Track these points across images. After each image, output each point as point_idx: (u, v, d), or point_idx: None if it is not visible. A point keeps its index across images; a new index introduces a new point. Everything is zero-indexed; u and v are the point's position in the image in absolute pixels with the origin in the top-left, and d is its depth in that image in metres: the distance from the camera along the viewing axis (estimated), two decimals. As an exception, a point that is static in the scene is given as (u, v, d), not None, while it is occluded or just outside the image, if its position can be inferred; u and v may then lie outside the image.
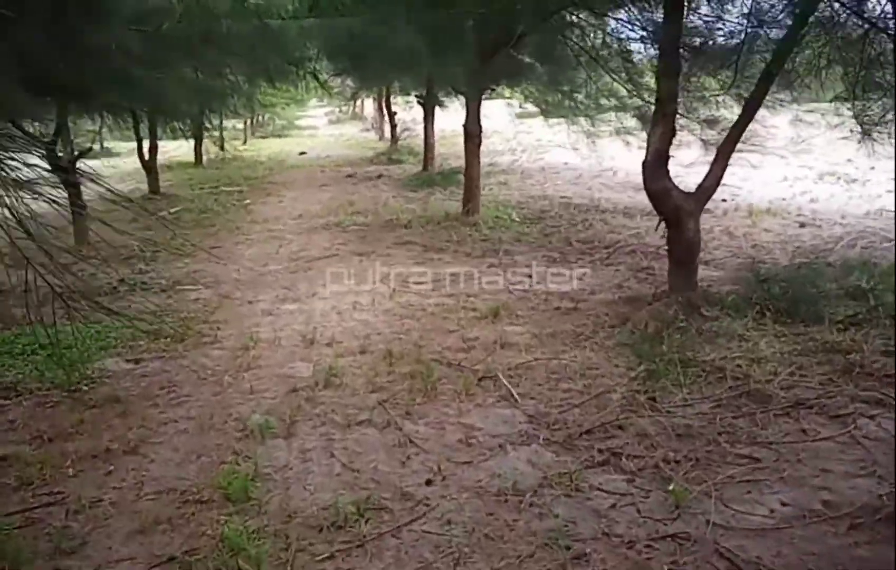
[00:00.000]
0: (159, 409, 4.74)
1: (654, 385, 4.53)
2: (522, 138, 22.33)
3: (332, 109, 46.22)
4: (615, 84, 11.20)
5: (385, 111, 22.01)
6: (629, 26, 9.54)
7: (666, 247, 6.17)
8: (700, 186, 5.83)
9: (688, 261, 5.79)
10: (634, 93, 9.98)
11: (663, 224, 5.94)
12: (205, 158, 20.90)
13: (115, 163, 23.25)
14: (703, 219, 6.85)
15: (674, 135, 5.89)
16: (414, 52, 8.41)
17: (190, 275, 8.43)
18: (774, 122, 9.26)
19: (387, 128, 23.87)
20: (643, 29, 9.20)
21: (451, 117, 20.46)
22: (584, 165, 16.67)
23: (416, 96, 16.21)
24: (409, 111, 21.89)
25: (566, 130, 19.42)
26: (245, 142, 28.10)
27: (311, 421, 4.45)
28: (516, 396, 4.59)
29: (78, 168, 10.49)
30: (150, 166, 14.88)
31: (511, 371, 5.00)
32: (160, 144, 20.79)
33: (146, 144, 15.03)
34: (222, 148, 24.02)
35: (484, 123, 20.29)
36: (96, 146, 25.57)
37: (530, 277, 7.54)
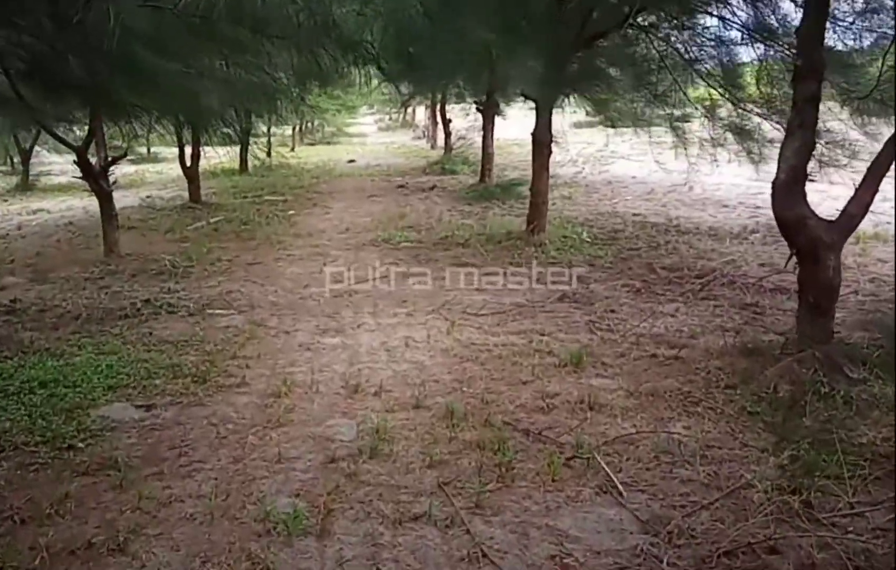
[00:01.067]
0: (164, 481, 3.77)
1: (806, 482, 3.39)
2: (583, 149, 21.16)
3: (382, 116, 45.60)
4: (703, 90, 10.02)
5: (439, 118, 21.01)
6: (727, 23, 8.39)
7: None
8: (843, 213, 4.66)
9: (825, 306, 4.62)
10: (730, 99, 8.80)
11: (794, 259, 4.77)
12: (250, 164, 20.17)
13: (161, 169, 22.77)
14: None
15: (813, 149, 4.74)
16: (486, 48, 7.43)
17: (223, 296, 7.53)
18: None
19: (440, 136, 22.92)
20: (744, 27, 8.06)
21: (503, 125, 19.41)
22: (655, 178, 15.50)
23: (474, 102, 15.18)
24: (464, 119, 20.87)
25: (631, 141, 18.23)
26: (293, 149, 27.43)
27: (353, 510, 3.42)
28: (619, 486, 3.50)
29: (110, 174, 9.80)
30: (191, 174, 14.13)
31: (608, 446, 3.90)
32: (206, 149, 20.22)
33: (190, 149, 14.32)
34: (269, 154, 23.33)
35: (527, 130, 19.16)
36: (142, 151, 25.23)
37: (612, 312, 6.43)
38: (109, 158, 9.73)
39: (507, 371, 5.09)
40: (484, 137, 14.56)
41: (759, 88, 8.54)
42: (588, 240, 9.38)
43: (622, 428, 4.11)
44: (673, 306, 6.54)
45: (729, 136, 9.70)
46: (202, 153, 14.80)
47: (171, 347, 5.94)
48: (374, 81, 22.38)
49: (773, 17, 7.82)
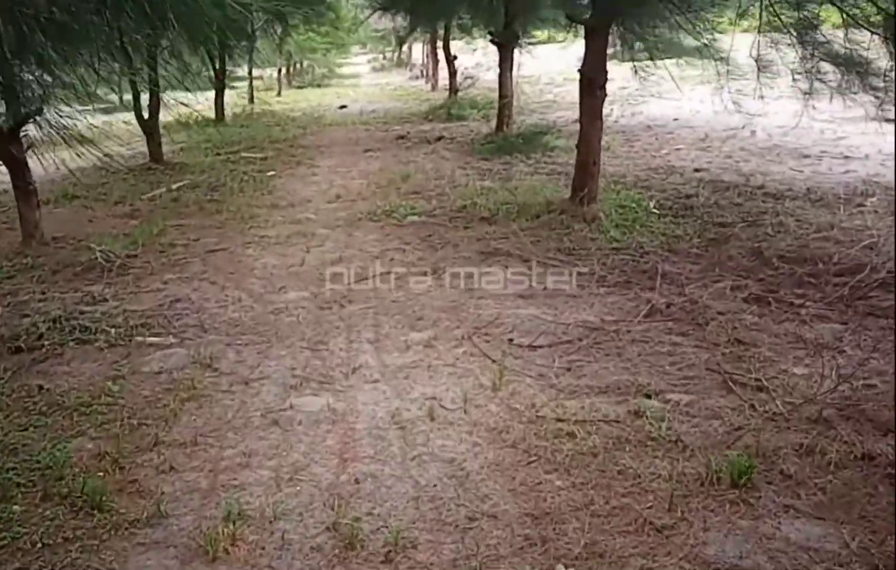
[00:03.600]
0: None
1: None
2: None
3: (376, 56, 42.89)
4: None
5: (444, 55, 18.32)
6: None
7: None
8: None
9: None
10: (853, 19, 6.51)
11: None
12: (229, 113, 17.72)
13: (131, 118, 20.23)
14: None
15: None
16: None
17: (164, 309, 5.35)
18: None
19: (441, 76, 20.40)
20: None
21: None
22: (700, 121, 13.23)
23: (489, 34, 12.68)
24: (471, 56, 18.34)
25: (658, 77, 15.82)
26: (279, 93, 24.90)
27: None
28: None
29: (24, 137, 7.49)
30: (150, 128, 11.75)
31: None
32: (180, 96, 17.59)
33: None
34: (252, 101, 20.88)
35: (537, 67, 16.43)
36: (113, 99, 22.67)
37: (741, 343, 4.21)
38: (23, 114, 7.38)
39: (615, 492, 2.90)
40: (501, 77, 12.06)
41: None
42: (656, 211, 7.14)
43: None
44: (828, 328, 4.34)
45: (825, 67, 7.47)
46: (164, 102, 12.38)
47: (63, 416, 3.80)
48: (365, 12, 19.91)
49: None
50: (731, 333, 4.31)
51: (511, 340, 4.45)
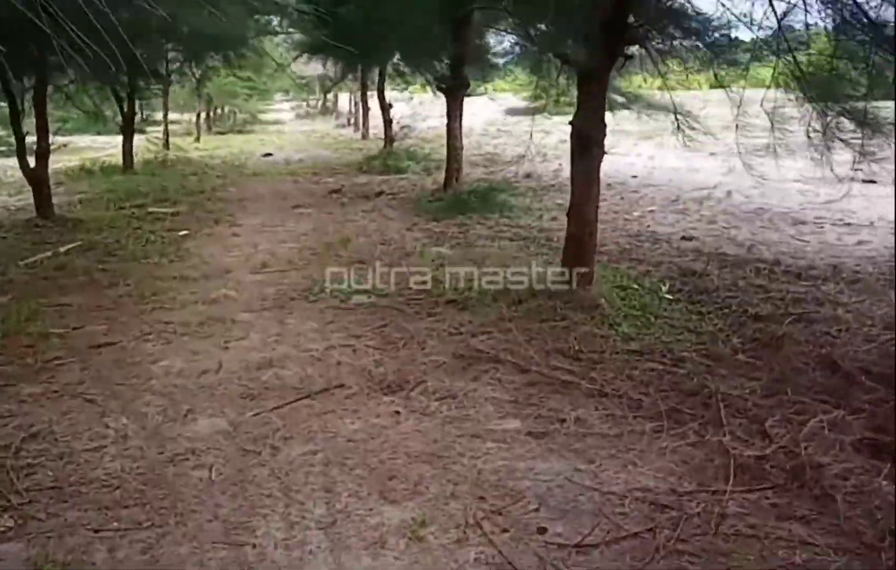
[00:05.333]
0: None
1: None
2: (536, 139, 17.42)
3: (300, 103, 41.50)
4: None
5: (378, 102, 16.77)
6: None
7: None
8: None
9: None
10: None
11: None
12: (139, 158, 15.78)
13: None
14: None
15: None
16: None
17: (10, 455, 3.61)
18: None
19: (373, 124, 18.92)
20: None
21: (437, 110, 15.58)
22: (661, 178, 12.16)
23: (434, 80, 11.29)
24: (407, 104, 16.95)
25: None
26: (198, 139, 22.95)
27: None
28: None
29: None
30: (37, 177, 9.80)
31: None
32: (90, 141, 15.73)
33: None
34: (167, 146, 18.96)
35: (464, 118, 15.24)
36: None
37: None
38: None
39: None
40: (449, 127, 10.63)
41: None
42: (669, 296, 5.75)
43: None
44: None
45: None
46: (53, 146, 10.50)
47: None
48: (290, 55, 18.47)
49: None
50: (875, 517, 2.87)
51: (543, 529, 2.90)
